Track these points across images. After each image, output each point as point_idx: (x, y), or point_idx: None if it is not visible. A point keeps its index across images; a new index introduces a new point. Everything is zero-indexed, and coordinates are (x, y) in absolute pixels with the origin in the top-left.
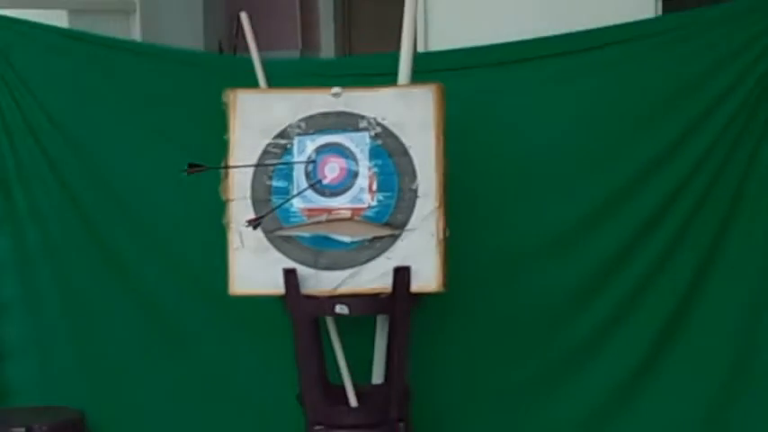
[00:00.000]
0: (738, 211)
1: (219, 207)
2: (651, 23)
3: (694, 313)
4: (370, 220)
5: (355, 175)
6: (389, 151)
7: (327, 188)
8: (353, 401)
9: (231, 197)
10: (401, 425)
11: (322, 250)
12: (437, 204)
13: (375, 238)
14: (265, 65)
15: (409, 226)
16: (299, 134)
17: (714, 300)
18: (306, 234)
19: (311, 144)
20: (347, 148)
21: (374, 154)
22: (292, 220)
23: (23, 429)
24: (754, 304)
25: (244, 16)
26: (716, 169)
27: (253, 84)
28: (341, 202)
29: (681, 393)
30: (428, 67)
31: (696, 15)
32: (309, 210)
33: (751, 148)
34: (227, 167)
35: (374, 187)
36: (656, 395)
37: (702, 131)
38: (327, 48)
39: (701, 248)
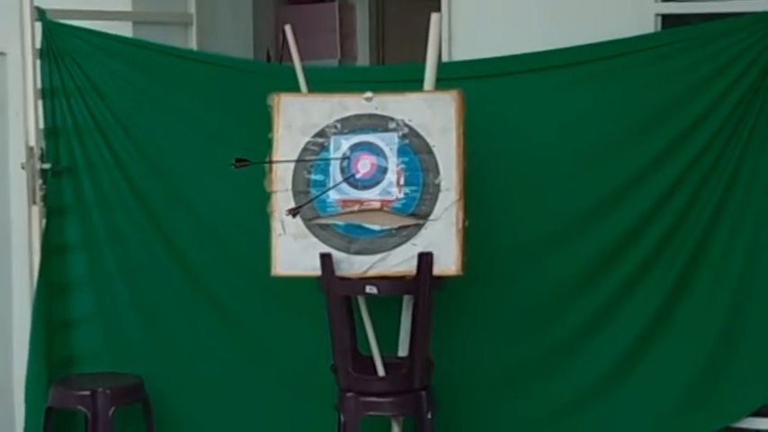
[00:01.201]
0: (722, 217)
1: (264, 198)
2: (647, 39)
3: (681, 306)
4: (397, 211)
5: (385, 170)
6: (416, 150)
7: (360, 182)
8: (381, 371)
9: (274, 189)
10: (424, 393)
11: (354, 237)
12: (457, 197)
13: (402, 227)
14: (306, 72)
15: (432, 216)
16: (335, 133)
17: (700, 291)
18: (340, 222)
19: (346, 142)
20: (378, 147)
21: (402, 152)
22: (328, 209)
23: (89, 392)
24: (736, 302)
25: (288, 29)
26: (706, 171)
27: (295, 89)
28: (372, 195)
29: (669, 368)
30: (451, 75)
31: (689, 32)
32: (344, 201)
33: (737, 154)
34: (271, 162)
35: (402, 181)
36: (649, 367)
37: (694, 138)
38: (363, 57)
39: (687, 247)
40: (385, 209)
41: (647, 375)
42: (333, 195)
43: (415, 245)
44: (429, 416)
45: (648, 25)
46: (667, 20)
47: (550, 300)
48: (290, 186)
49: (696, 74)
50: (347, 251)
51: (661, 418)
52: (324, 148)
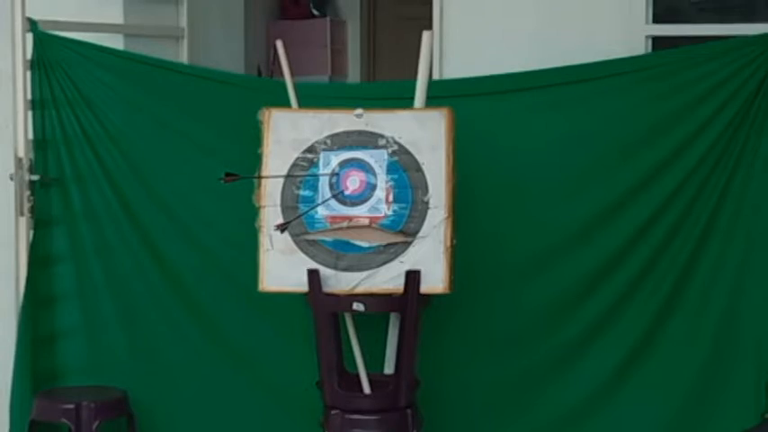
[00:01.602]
0: (711, 237)
1: (252, 213)
2: (636, 60)
3: (671, 322)
4: (386, 228)
5: (374, 187)
6: (405, 167)
7: (349, 198)
8: (367, 389)
9: (263, 204)
10: (409, 411)
11: (342, 253)
12: (446, 215)
13: (390, 244)
14: (297, 87)
15: (421, 234)
16: (324, 149)
17: (691, 307)
18: (328, 239)
19: (335, 159)
20: (367, 163)
21: (391, 169)
22: (317, 225)
23: (73, 406)
24: (724, 322)
25: (279, 44)
26: (695, 191)
27: (285, 104)
28: (360, 211)
29: (658, 388)
30: (441, 93)
31: (678, 54)
32: (332, 217)
33: (726, 176)
34: (260, 177)
35: (390, 198)
36: (637, 387)
37: (682, 159)
38: (354, 74)
39: (677, 266)
40: (373, 226)
41: (635, 395)
42: (321, 211)
43: (402, 262)
44: None
45: (639, 47)
46: (658, 42)
47: (538, 318)
48: (278, 202)
49: (685, 96)
50: (335, 267)
51: None
52: (313, 163)
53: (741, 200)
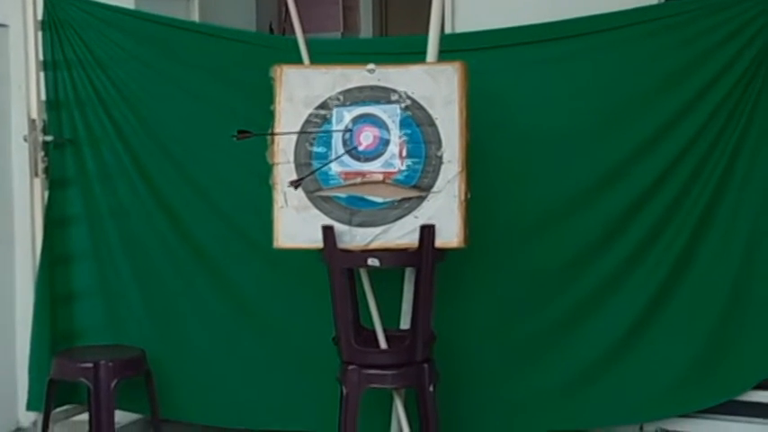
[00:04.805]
0: (726, 188)
1: (266, 170)
2: (648, 11)
3: (684, 279)
4: (399, 183)
5: (387, 142)
6: (418, 122)
7: (362, 154)
8: (383, 344)
9: (277, 161)
10: (426, 366)
11: (356, 209)
12: (460, 169)
13: (404, 199)
14: (309, 44)
15: (435, 189)
16: (337, 106)
17: (704, 265)
18: (342, 195)
19: (348, 114)
20: (380, 119)
21: (404, 124)
22: (331, 182)
23: (91, 365)
24: (739, 276)
25: (291, 1)
26: (711, 142)
27: (297, 61)
28: (374, 167)
29: (673, 341)
30: (453, 47)
31: (690, 4)
32: (346, 173)
33: (741, 126)
34: (273, 134)
35: (404, 154)
36: (653, 340)
37: (697, 110)
38: (366, 30)
39: (692, 219)
40: (387, 181)
41: (652, 348)
42: (335, 168)
43: (417, 217)
44: (431, 388)
45: None
46: None
47: (554, 272)
48: (292, 159)
49: (697, 47)
50: (349, 223)
51: (667, 391)
52: (326, 120)
53: (757, 149)
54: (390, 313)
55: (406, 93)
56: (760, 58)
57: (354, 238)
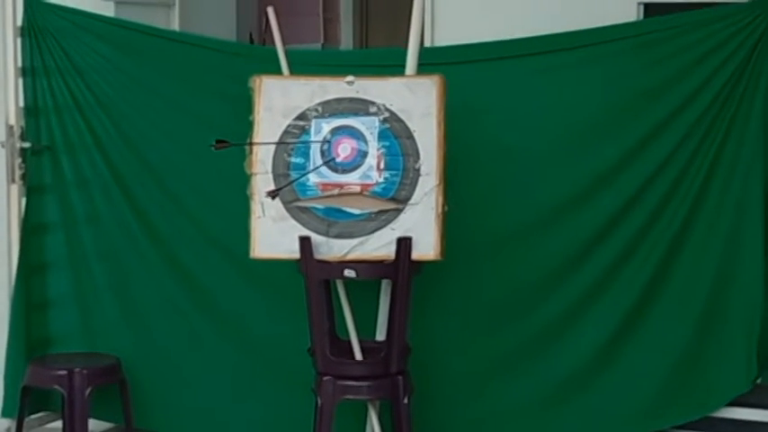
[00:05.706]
0: (703, 203)
1: (244, 180)
2: (627, 27)
3: (660, 295)
4: (377, 195)
5: (365, 154)
6: (396, 134)
7: (340, 165)
8: (359, 355)
9: (254, 171)
10: (400, 378)
11: (334, 221)
12: (437, 182)
13: (381, 211)
14: (288, 55)
15: (412, 201)
16: (315, 117)
17: (680, 280)
18: (320, 206)
19: (326, 126)
20: (358, 131)
21: (382, 136)
22: (308, 193)
23: (65, 372)
24: (714, 291)
25: (271, 11)
26: (688, 158)
27: (277, 71)
28: (352, 179)
29: (649, 357)
30: (432, 60)
31: (669, 21)
32: (324, 184)
33: (717, 143)
34: (251, 144)
35: (382, 166)
36: (629, 356)
37: (674, 126)
38: (346, 41)
39: (668, 234)
40: (365, 193)
41: (627, 364)
42: (313, 178)
43: (394, 229)
44: (405, 400)
45: (631, 14)
46: (650, 9)
47: (530, 286)
48: (270, 169)
49: (676, 63)
50: (326, 234)
51: (643, 406)
52: (304, 131)
53: (733, 166)
54: (366, 324)
55: (384, 105)
56: (737, 75)
57: (331, 249)
